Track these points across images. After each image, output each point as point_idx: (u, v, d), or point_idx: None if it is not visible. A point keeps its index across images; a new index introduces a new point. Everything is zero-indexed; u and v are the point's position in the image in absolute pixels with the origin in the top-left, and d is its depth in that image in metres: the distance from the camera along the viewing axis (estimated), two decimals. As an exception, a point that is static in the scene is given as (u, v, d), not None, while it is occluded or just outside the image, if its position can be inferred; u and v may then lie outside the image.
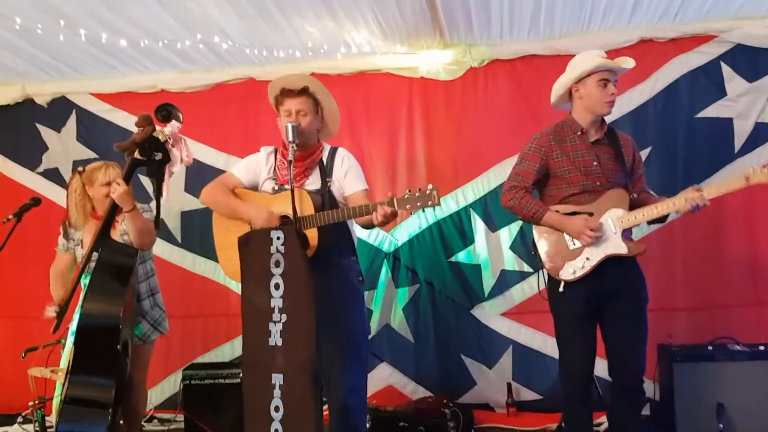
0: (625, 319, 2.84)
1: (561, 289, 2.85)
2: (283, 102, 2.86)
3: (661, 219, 2.92)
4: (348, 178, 2.89)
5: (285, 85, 2.88)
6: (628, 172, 2.89)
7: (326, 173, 2.88)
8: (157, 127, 3.06)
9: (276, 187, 2.88)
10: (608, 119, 2.97)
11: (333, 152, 2.95)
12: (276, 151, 2.99)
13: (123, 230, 3.24)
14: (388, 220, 2.59)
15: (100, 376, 2.81)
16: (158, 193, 3.04)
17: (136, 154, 3.01)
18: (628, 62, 2.88)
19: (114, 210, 3.05)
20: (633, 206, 2.85)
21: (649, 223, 3.05)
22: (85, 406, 2.78)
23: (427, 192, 2.53)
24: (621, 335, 2.86)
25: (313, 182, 2.86)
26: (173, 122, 3.08)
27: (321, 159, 2.91)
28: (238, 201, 2.88)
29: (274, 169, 2.93)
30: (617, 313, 2.84)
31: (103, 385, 2.80)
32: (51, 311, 3.19)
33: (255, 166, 2.97)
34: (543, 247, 2.91)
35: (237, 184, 2.95)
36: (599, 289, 2.82)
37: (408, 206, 2.55)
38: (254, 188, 2.96)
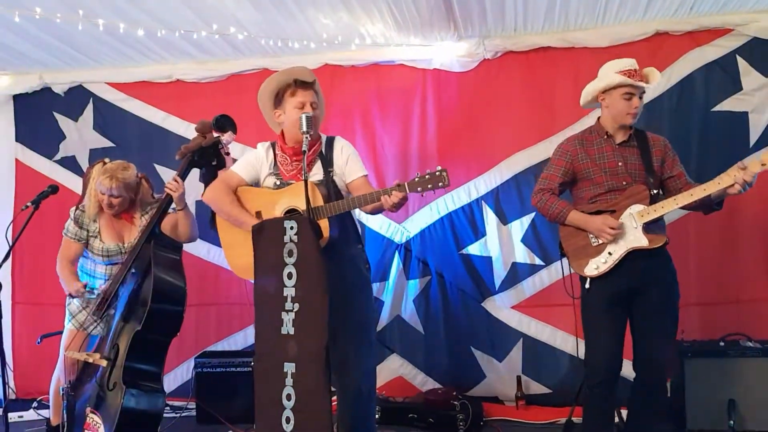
0: (651, 314, 2.90)
1: (587, 285, 2.93)
2: (296, 93, 2.87)
3: (719, 204, 2.94)
4: (349, 166, 2.92)
5: (298, 77, 2.89)
6: (655, 171, 2.95)
7: (327, 164, 2.89)
8: (220, 136, 3.32)
9: (278, 182, 2.89)
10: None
11: (330, 142, 2.96)
12: (273, 145, 2.99)
13: (142, 226, 3.39)
14: (402, 204, 2.63)
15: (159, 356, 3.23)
16: None
17: (196, 156, 3.29)
18: (653, 78, 2.98)
19: (168, 204, 3.28)
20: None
21: (707, 212, 3.04)
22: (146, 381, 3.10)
23: (437, 173, 2.57)
24: (647, 331, 2.92)
25: (316, 174, 2.88)
26: (229, 132, 3.34)
27: (321, 151, 2.93)
28: (242, 212, 2.87)
29: (275, 163, 2.94)
30: (645, 307, 2.91)
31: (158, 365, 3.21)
32: (90, 295, 3.29)
33: (255, 163, 2.97)
34: (567, 245, 3.02)
35: (239, 182, 2.95)
36: (627, 285, 2.88)
37: (419, 189, 2.59)
38: (255, 184, 2.98)
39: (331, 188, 2.85)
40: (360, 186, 2.88)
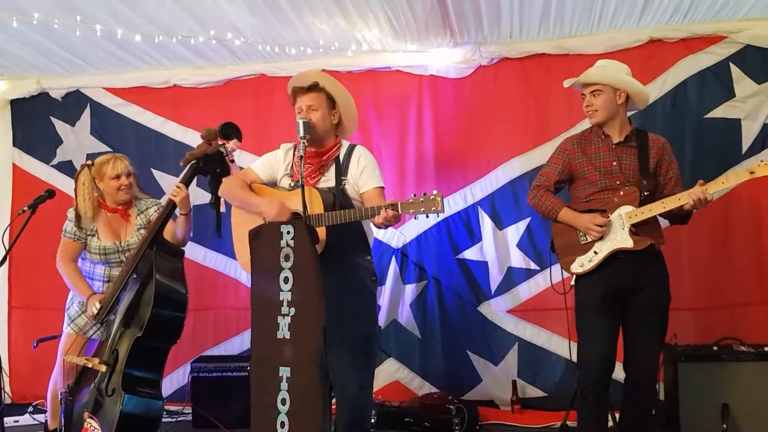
0: (642, 317, 2.93)
1: (572, 282, 2.98)
2: (296, 100, 2.91)
3: (683, 219, 2.98)
4: (363, 176, 2.89)
5: (295, 83, 2.93)
6: (650, 173, 2.97)
7: (341, 171, 2.88)
8: (225, 143, 3.33)
9: (292, 184, 2.91)
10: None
11: (350, 150, 2.95)
12: (295, 147, 2.98)
13: (139, 225, 3.42)
14: (390, 223, 2.60)
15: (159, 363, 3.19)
16: (217, 203, 3.27)
17: (200, 164, 3.30)
18: (575, 79, 3.08)
19: (172, 210, 3.27)
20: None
21: (672, 223, 3.09)
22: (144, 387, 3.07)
23: (431, 197, 2.55)
24: (637, 332, 2.95)
25: (328, 180, 2.88)
26: (234, 140, 3.35)
27: (338, 157, 2.92)
28: (251, 194, 2.92)
29: (291, 165, 2.95)
30: (636, 309, 2.93)
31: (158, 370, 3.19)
32: (97, 306, 3.25)
33: (273, 162, 3.01)
34: (558, 242, 3.06)
35: (255, 179, 2.99)
36: (617, 285, 2.91)
37: (411, 210, 2.56)
38: (272, 184, 3.00)
39: (339, 196, 2.83)
40: (371, 197, 2.85)
